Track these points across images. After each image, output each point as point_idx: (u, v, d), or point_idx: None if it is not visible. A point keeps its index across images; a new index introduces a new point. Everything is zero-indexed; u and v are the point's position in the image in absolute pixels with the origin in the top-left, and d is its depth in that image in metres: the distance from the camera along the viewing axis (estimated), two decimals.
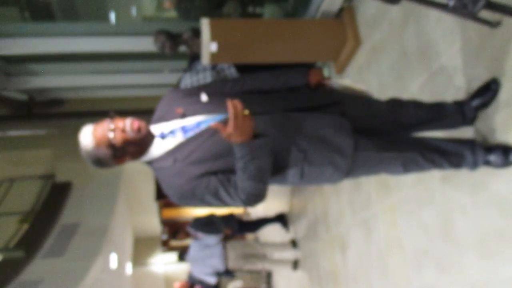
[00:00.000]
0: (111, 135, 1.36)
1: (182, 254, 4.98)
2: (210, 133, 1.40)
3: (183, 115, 1.45)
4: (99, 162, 1.41)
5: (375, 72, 2.90)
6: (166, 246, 10.51)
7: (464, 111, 1.77)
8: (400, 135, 1.71)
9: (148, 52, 3.85)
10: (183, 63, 3.61)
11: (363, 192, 3.10)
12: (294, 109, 1.51)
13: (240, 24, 3.18)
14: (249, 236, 7.69)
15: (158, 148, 1.44)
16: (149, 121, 1.50)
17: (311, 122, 1.48)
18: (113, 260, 6.18)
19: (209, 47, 2.90)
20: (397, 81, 2.60)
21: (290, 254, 5.16)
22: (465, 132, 1.84)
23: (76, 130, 1.45)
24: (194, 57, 3.24)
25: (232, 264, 4.69)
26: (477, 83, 1.83)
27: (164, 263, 10.36)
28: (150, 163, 1.48)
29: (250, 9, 4.18)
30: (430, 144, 1.64)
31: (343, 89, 1.70)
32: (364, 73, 3.07)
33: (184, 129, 1.43)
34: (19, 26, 3.84)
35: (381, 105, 1.71)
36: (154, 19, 4.56)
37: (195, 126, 1.42)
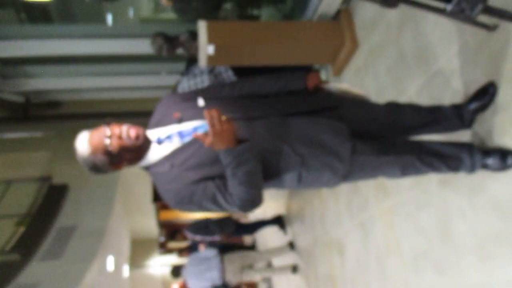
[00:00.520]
0: (107, 141, 1.35)
1: (176, 270, 4.91)
2: None
3: (180, 120, 1.44)
4: (95, 168, 1.40)
5: (373, 74, 2.90)
6: (163, 248, 10.50)
7: (461, 114, 1.76)
8: (398, 139, 1.70)
9: (145, 54, 3.84)
10: (180, 65, 3.61)
11: (361, 195, 3.09)
12: (291, 113, 1.50)
13: (237, 26, 3.18)
14: (247, 239, 7.69)
15: (155, 154, 1.43)
16: (146, 125, 1.49)
17: (309, 126, 1.48)
18: (110, 263, 6.16)
19: (206, 49, 2.90)
20: (394, 84, 2.60)
21: (288, 258, 5.13)
22: (463, 136, 1.84)
23: (72, 132, 1.44)
24: (191, 60, 3.24)
25: (230, 277, 4.62)
26: (474, 86, 1.83)
27: (161, 265, 10.34)
28: (147, 168, 1.47)
29: (248, 11, 4.18)
30: (428, 147, 1.64)
31: (341, 93, 1.70)
32: (361, 75, 3.07)
33: (181, 134, 1.43)
34: (15, 28, 3.83)
35: (378, 109, 1.70)
36: (151, 21, 4.56)
37: (192, 131, 1.41)
